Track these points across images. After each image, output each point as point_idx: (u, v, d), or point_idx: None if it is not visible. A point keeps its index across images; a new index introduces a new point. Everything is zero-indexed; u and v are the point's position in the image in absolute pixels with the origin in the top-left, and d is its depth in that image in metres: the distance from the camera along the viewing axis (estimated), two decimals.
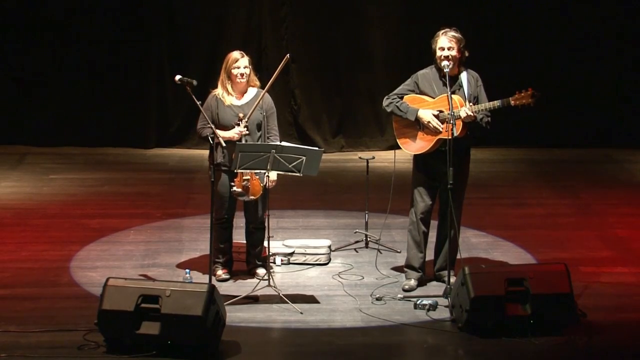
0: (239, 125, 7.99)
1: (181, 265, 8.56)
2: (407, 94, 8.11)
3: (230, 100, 8.16)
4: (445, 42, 7.94)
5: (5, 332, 7.16)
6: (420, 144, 8.06)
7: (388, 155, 8.80)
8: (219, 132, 7.98)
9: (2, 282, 8.26)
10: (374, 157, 9.55)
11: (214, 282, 7.96)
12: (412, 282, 8.19)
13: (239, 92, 8.16)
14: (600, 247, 9.32)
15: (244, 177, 7.94)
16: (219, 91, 8.20)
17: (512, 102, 7.90)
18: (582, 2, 13.41)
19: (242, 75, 8.11)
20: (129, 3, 13.14)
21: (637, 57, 13.47)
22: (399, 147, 8.20)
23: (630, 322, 7.57)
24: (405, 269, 8.29)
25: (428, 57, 8.18)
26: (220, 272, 8.29)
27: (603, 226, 9.96)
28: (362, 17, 13.32)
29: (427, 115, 7.97)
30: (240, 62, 8.12)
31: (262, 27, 13.22)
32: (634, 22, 13.42)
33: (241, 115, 7.99)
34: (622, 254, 9.15)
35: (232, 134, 8.00)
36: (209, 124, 7.97)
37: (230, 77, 8.15)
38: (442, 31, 7.99)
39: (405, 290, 8.12)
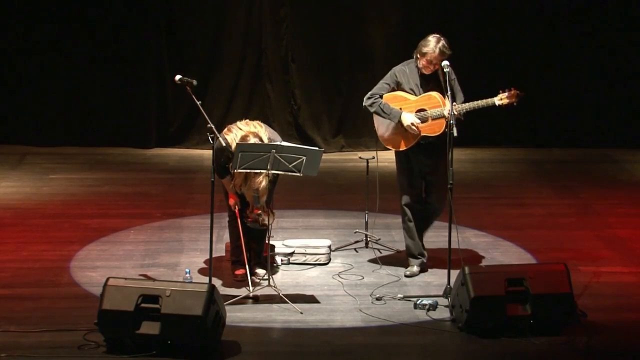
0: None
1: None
2: (387, 93, 8.19)
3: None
4: (431, 58, 7.97)
5: (5, 332, 7.15)
6: (400, 142, 8.21)
7: (388, 155, 8.78)
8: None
9: (2, 282, 8.26)
10: (374, 157, 9.51)
11: (232, 281, 8.05)
12: (415, 269, 8.38)
13: None
14: (600, 247, 9.32)
15: (257, 213, 7.93)
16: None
17: (497, 102, 7.92)
18: (582, 2, 13.42)
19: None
20: (129, 3, 13.13)
21: (637, 56, 13.45)
22: (388, 148, 8.32)
23: (630, 322, 7.57)
24: (408, 258, 8.47)
25: None
26: (237, 272, 8.28)
27: (603, 226, 9.95)
28: (362, 17, 13.31)
29: (407, 119, 8.10)
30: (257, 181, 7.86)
31: (262, 27, 13.22)
32: (634, 20, 13.41)
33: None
34: (622, 254, 9.14)
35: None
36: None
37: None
38: (434, 41, 7.98)
39: (407, 276, 8.33)
